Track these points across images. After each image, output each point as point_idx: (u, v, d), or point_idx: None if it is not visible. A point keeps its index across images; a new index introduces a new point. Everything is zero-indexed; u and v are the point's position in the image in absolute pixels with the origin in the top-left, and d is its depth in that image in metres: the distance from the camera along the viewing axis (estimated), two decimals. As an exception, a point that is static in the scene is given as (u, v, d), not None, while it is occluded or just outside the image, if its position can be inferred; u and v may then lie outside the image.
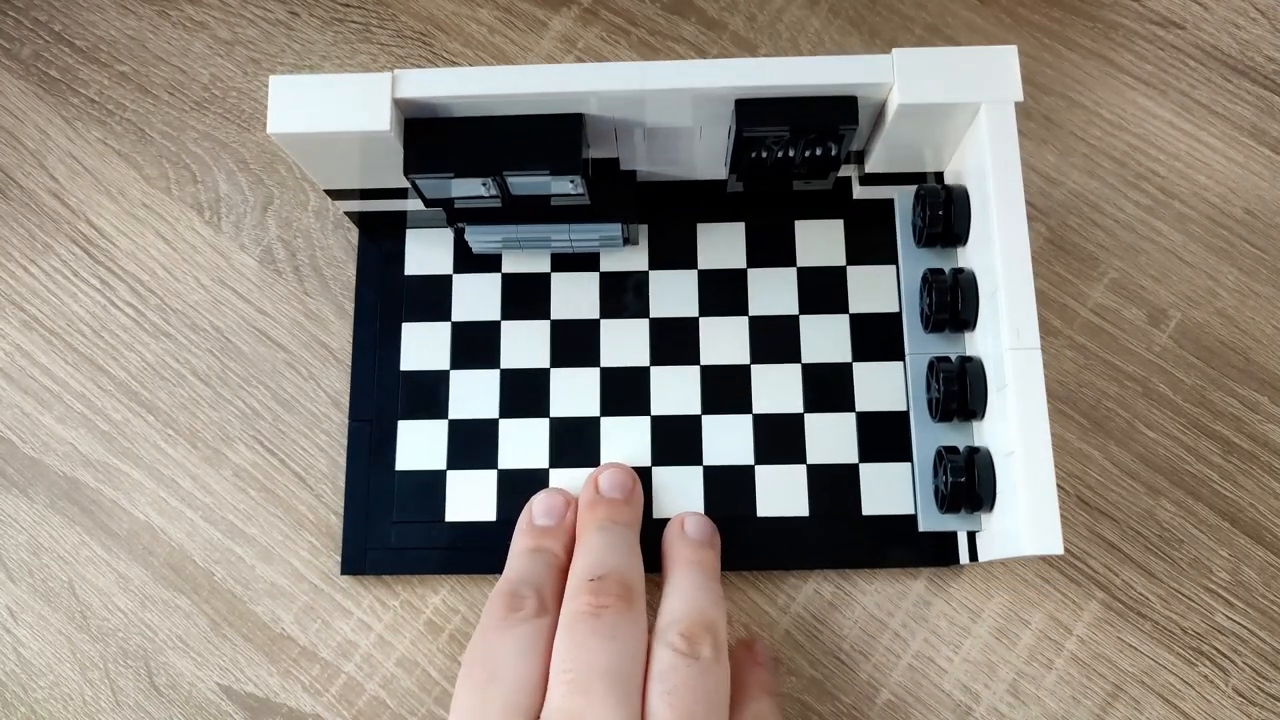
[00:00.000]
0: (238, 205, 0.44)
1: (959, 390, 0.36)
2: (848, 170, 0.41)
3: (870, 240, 0.41)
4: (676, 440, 0.39)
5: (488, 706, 0.24)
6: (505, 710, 0.24)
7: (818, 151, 0.36)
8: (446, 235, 0.42)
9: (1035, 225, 0.42)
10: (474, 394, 0.40)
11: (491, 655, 0.25)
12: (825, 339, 0.40)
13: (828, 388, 0.40)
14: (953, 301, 0.36)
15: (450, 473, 0.39)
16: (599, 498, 0.31)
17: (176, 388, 0.42)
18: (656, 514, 0.38)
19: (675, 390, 0.40)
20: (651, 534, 0.38)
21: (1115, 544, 0.39)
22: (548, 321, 0.41)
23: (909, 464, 0.38)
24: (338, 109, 0.33)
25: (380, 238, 0.42)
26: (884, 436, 0.39)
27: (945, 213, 0.37)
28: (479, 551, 0.39)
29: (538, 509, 0.31)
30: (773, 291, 0.41)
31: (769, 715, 0.28)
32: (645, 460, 0.39)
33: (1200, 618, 0.38)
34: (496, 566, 0.39)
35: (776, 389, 0.40)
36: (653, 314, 0.41)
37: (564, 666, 0.24)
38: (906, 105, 0.33)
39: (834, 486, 0.38)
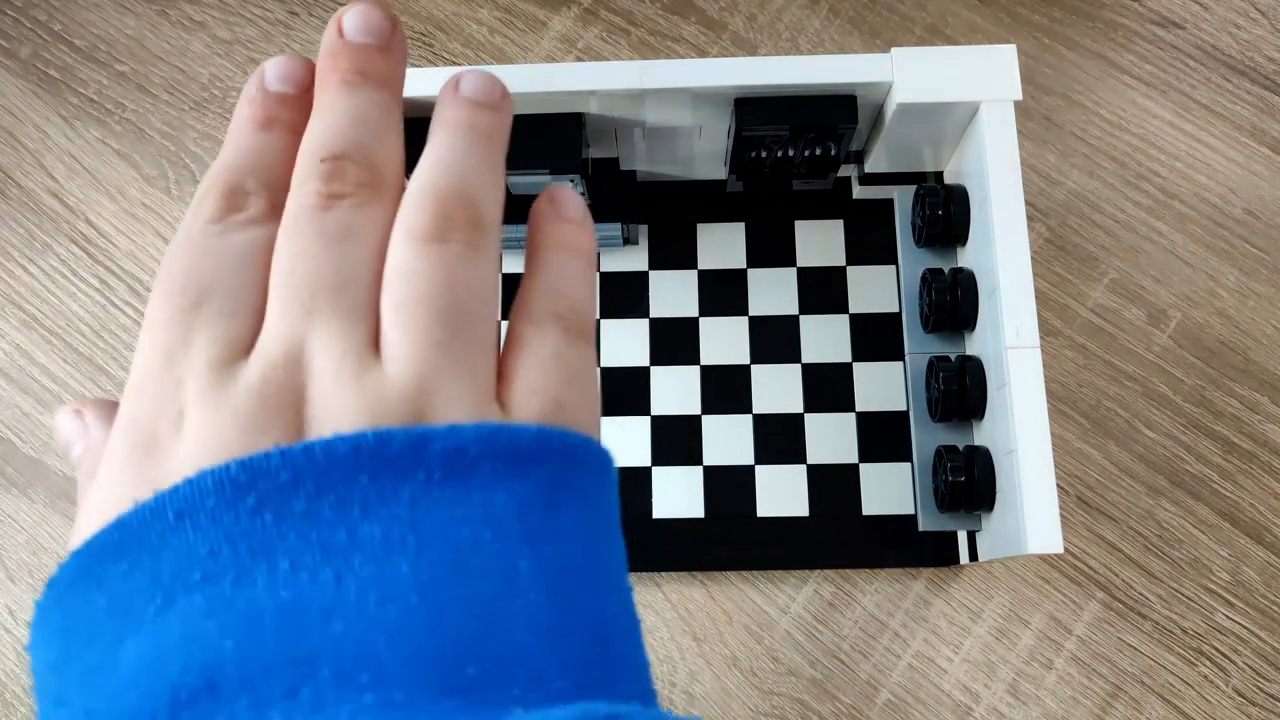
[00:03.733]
0: (237, 205, 0.44)
1: (959, 390, 0.36)
2: (847, 170, 0.41)
3: (870, 240, 0.41)
4: (676, 440, 0.39)
5: (190, 338, 0.17)
6: (213, 342, 0.17)
7: (817, 151, 0.36)
8: (446, 235, 0.42)
9: (1035, 225, 0.42)
10: (474, 394, 0.40)
11: (200, 270, 0.18)
12: (825, 339, 0.40)
13: (828, 388, 0.39)
14: (952, 301, 0.36)
15: (450, 473, 0.39)
16: (343, 43, 0.21)
17: (176, 387, 0.42)
18: (657, 514, 0.38)
19: (675, 390, 0.40)
20: (654, 534, 0.38)
21: (1115, 544, 0.39)
22: (547, 321, 0.41)
23: (909, 464, 0.38)
24: (337, 108, 0.33)
25: (380, 237, 0.42)
26: (884, 436, 0.39)
27: (945, 212, 0.37)
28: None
29: (272, 72, 0.21)
30: (773, 291, 0.41)
31: (571, 276, 0.21)
32: (645, 460, 0.39)
33: (1200, 618, 0.38)
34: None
35: (776, 389, 0.40)
36: (653, 314, 0.41)
37: (281, 279, 0.18)
38: (905, 104, 0.33)
39: (834, 486, 0.38)
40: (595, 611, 0.17)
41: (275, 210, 0.19)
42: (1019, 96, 0.33)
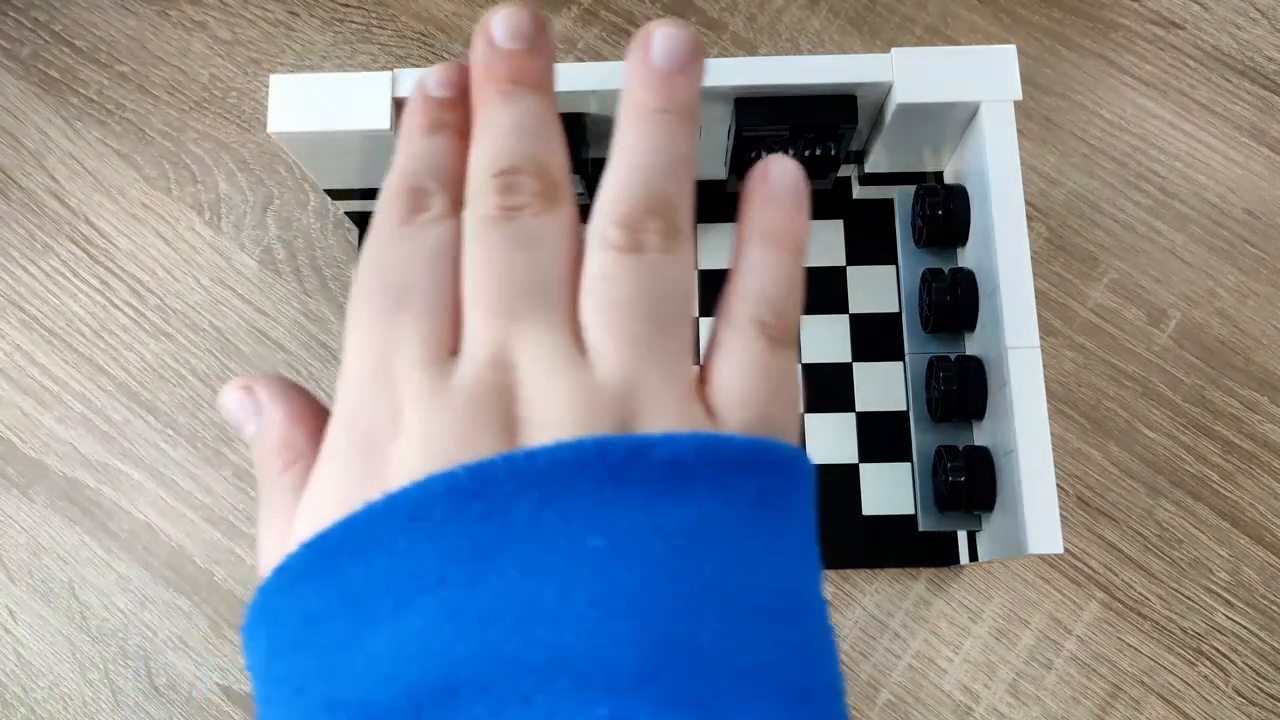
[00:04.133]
0: (238, 205, 0.44)
1: (959, 390, 0.36)
2: (848, 170, 0.41)
3: (870, 240, 0.41)
4: (676, 440, 0.39)
5: (399, 338, 0.18)
6: (421, 342, 0.18)
7: (817, 151, 0.36)
8: (446, 235, 0.42)
9: (1035, 225, 0.42)
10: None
11: (397, 272, 0.19)
12: (825, 339, 0.40)
13: (828, 388, 0.39)
14: (953, 301, 0.36)
15: (450, 473, 0.39)
16: (495, 52, 0.21)
17: (176, 388, 0.42)
18: (656, 514, 0.38)
19: (675, 390, 0.40)
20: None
21: (1115, 544, 0.39)
22: (548, 321, 0.41)
23: (909, 464, 0.38)
24: (338, 108, 0.33)
25: (380, 238, 0.42)
26: (884, 436, 0.39)
27: (945, 212, 0.37)
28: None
29: (433, 79, 0.22)
30: (773, 291, 0.41)
31: (778, 276, 0.21)
32: (645, 460, 0.39)
33: (1200, 618, 0.38)
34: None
35: (776, 389, 0.40)
36: (653, 314, 0.41)
37: (477, 286, 0.19)
38: (905, 104, 0.33)
39: (834, 486, 0.38)
40: (807, 629, 0.17)
41: (456, 207, 0.20)
42: (1019, 96, 0.33)
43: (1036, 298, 0.41)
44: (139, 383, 0.42)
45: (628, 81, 0.21)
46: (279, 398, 0.20)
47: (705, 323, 0.40)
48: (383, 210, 0.20)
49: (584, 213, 0.42)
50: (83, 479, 0.41)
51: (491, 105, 0.21)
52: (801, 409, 0.19)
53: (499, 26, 0.21)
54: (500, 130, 0.20)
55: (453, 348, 0.18)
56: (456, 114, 0.22)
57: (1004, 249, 0.33)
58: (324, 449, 0.18)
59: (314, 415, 0.20)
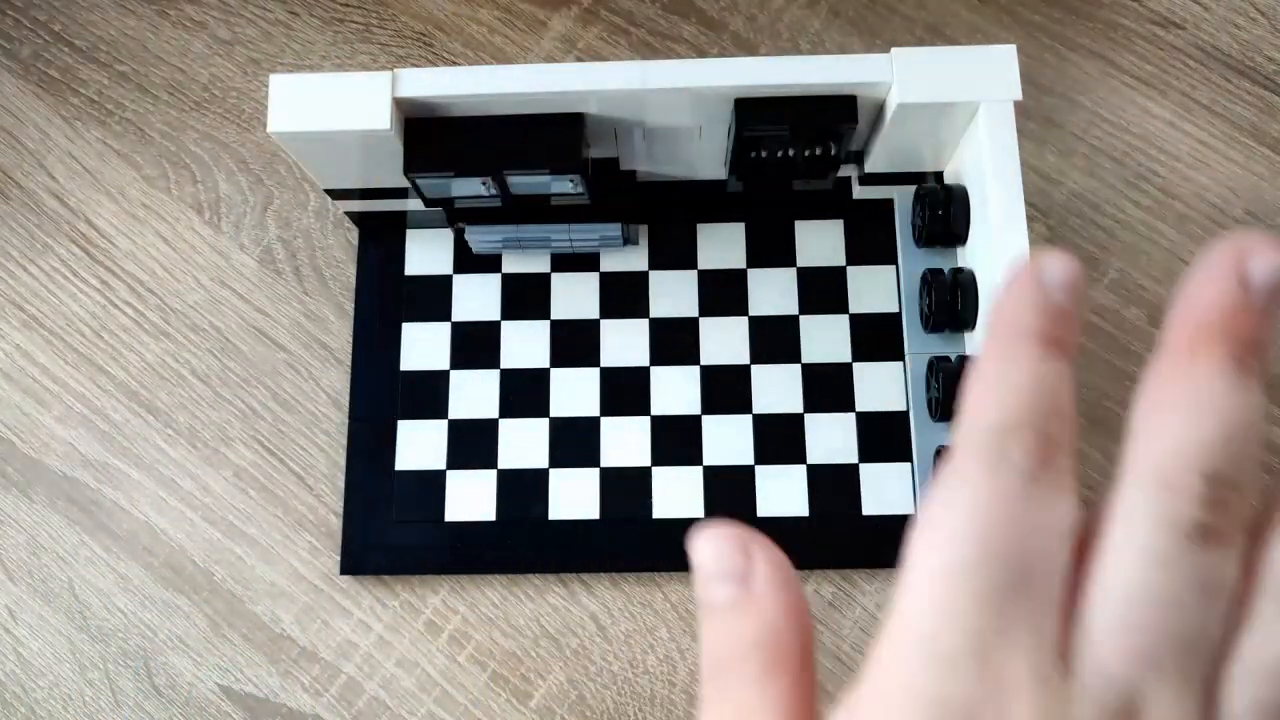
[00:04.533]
0: (238, 205, 0.44)
1: (959, 390, 0.36)
2: (847, 170, 0.41)
3: (870, 240, 0.41)
4: (676, 440, 0.39)
5: (1011, 632, 0.15)
6: (1039, 649, 0.15)
7: (817, 151, 0.36)
8: (446, 235, 0.42)
9: (1035, 225, 0.42)
10: (474, 394, 0.40)
11: (1020, 543, 0.16)
12: (825, 339, 0.40)
13: (828, 388, 0.40)
14: (952, 301, 0.36)
15: (450, 473, 0.39)
16: (1244, 306, 0.16)
17: (176, 388, 0.42)
18: (657, 514, 0.38)
19: (675, 390, 0.40)
20: (654, 534, 0.38)
21: (1115, 544, 0.39)
22: (547, 321, 0.41)
23: (909, 464, 0.38)
24: (338, 108, 0.33)
25: (380, 238, 0.42)
26: (884, 436, 0.39)
27: (945, 213, 0.37)
28: (479, 551, 0.39)
29: (1057, 274, 0.17)
30: (773, 291, 0.41)
31: None
32: (645, 460, 0.39)
33: (1200, 618, 0.38)
34: (497, 567, 0.39)
35: (776, 389, 0.40)
36: (653, 314, 0.41)
37: (1129, 612, 0.15)
38: (905, 105, 0.33)
39: (834, 486, 0.38)
40: None
41: (1074, 471, 0.17)
42: (1019, 96, 0.33)
43: (1036, 298, 0.41)
44: (139, 382, 0.42)
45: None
46: (780, 578, 0.17)
47: (705, 322, 0.40)
48: (994, 439, 0.17)
49: (584, 212, 0.41)
50: (83, 479, 0.41)
51: (1213, 375, 0.16)
52: None
53: (1264, 266, 0.15)
54: (1222, 418, 0.15)
55: (1062, 654, 0.15)
56: (1072, 333, 0.17)
57: (1004, 249, 0.33)
58: (889, 714, 0.16)
59: (806, 615, 0.18)
